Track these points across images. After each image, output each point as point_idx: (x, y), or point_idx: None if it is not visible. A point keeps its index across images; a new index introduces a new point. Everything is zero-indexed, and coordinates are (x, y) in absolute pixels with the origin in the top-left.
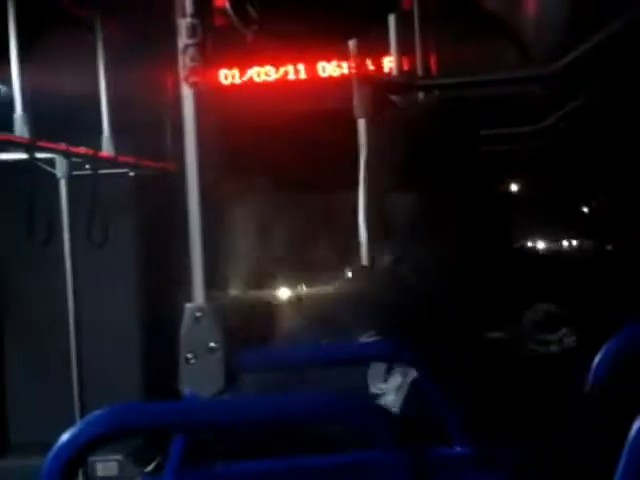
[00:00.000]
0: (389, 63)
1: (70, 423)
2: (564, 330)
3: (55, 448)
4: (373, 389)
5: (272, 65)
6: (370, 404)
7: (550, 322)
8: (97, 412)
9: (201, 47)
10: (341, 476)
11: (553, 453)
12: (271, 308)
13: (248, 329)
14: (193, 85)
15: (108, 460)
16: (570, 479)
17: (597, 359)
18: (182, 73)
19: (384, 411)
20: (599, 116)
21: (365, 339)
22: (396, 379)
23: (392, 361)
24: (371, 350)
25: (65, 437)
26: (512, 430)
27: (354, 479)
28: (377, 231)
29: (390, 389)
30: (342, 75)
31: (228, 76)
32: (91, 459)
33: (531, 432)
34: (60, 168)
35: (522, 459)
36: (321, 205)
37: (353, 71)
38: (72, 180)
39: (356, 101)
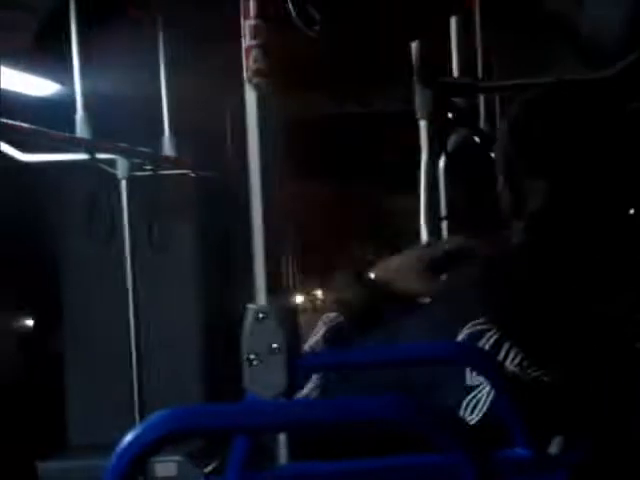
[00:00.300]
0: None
1: (129, 425)
2: None
3: (119, 449)
4: (469, 381)
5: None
6: (432, 405)
7: None
8: (159, 413)
9: (264, 48)
10: (405, 477)
11: (616, 454)
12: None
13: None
14: (256, 86)
15: (167, 461)
16: None
17: None
18: (245, 74)
19: (448, 412)
20: None
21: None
22: None
23: (460, 365)
24: (441, 352)
25: (128, 438)
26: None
27: None
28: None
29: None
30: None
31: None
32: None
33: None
34: (121, 169)
35: (585, 460)
36: (388, 206)
37: (415, 72)
38: (133, 181)
39: (418, 103)
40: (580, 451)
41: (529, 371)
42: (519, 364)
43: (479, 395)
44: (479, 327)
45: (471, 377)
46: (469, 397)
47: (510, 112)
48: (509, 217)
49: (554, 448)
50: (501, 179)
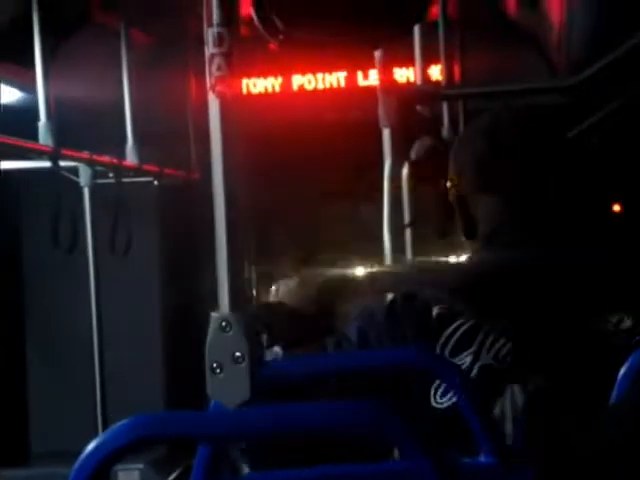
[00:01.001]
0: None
1: (91, 432)
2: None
3: (81, 458)
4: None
5: (301, 74)
6: (395, 413)
7: None
8: (123, 422)
9: (228, 56)
10: None
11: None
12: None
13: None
14: (219, 94)
15: (130, 469)
16: None
17: (622, 372)
18: (208, 82)
19: (409, 420)
20: (623, 128)
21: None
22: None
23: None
24: (403, 359)
25: (91, 447)
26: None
27: None
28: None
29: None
30: (366, 85)
31: (250, 85)
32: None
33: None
34: (84, 177)
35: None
36: (348, 213)
37: (378, 81)
38: (96, 189)
39: (381, 111)
40: (544, 460)
41: (506, 360)
42: (495, 356)
43: None
44: (447, 310)
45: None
46: (438, 381)
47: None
48: (466, 238)
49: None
50: (454, 202)
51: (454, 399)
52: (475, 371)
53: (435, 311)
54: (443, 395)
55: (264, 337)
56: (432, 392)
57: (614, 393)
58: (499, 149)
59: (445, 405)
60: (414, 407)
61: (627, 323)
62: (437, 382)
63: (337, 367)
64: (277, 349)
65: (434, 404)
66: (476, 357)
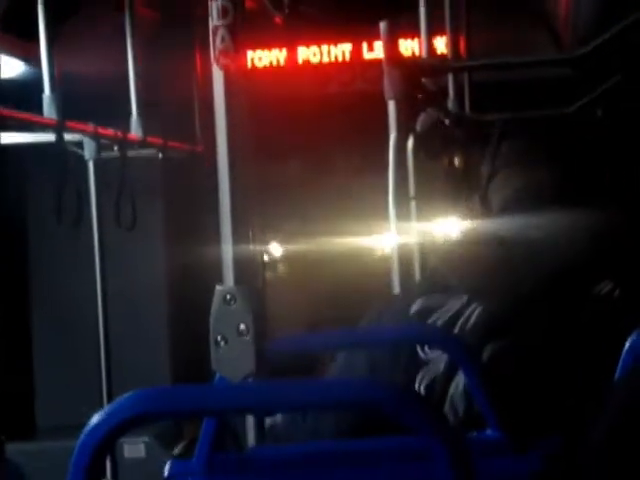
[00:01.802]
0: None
1: (96, 406)
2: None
3: (86, 431)
4: (423, 356)
5: (306, 47)
6: (403, 388)
7: None
8: (127, 395)
9: (232, 29)
10: (375, 461)
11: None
12: None
13: None
14: (223, 67)
15: (135, 442)
16: None
17: (625, 349)
18: (212, 55)
19: (418, 396)
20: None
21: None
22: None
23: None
24: (406, 334)
25: (95, 420)
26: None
27: (389, 464)
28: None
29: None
30: (373, 57)
31: (255, 58)
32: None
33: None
34: (88, 150)
35: (557, 448)
36: (353, 187)
37: (384, 53)
38: (100, 162)
39: (386, 83)
40: (552, 436)
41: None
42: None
43: (434, 368)
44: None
45: (424, 353)
46: (423, 371)
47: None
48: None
49: None
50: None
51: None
52: None
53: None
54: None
55: None
56: (418, 380)
57: (618, 369)
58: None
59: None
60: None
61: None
62: (424, 371)
63: (342, 342)
64: None
65: (423, 356)
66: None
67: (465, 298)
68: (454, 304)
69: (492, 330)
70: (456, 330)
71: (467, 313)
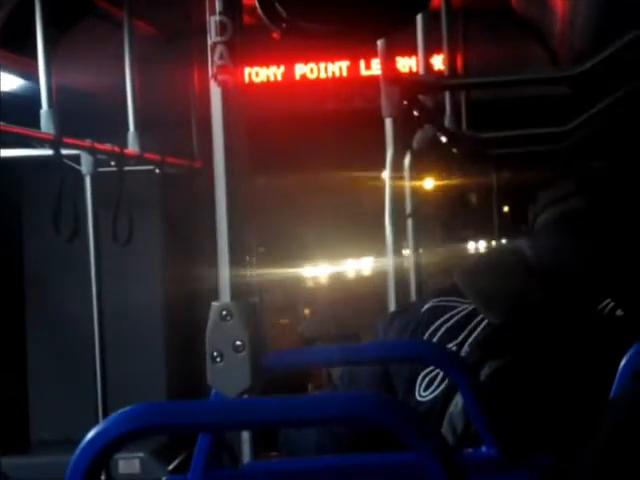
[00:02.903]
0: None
1: (91, 421)
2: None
3: (81, 447)
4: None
5: (303, 63)
6: (400, 403)
7: None
8: (123, 410)
9: (230, 45)
10: (371, 476)
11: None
12: None
13: None
14: (222, 83)
15: (130, 457)
16: None
17: (621, 365)
18: (211, 71)
19: (413, 411)
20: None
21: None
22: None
23: (424, 363)
24: (403, 351)
25: (91, 435)
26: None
27: (385, 479)
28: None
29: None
30: (370, 75)
31: (252, 74)
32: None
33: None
34: (86, 165)
35: (552, 463)
36: (351, 203)
37: (381, 70)
38: (98, 177)
39: (384, 100)
40: (546, 453)
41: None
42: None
43: (434, 372)
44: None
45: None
46: (424, 372)
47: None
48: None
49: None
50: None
51: (436, 392)
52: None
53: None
54: (426, 388)
55: None
56: (417, 386)
57: (615, 385)
58: None
59: (428, 398)
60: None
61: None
62: (421, 375)
63: (338, 359)
64: None
65: (418, 398)
66: (460, 348)
67: (471, 307)
68: (463, 308)
69: (494, 346)
70: (459, 339)
71: (471, 325)
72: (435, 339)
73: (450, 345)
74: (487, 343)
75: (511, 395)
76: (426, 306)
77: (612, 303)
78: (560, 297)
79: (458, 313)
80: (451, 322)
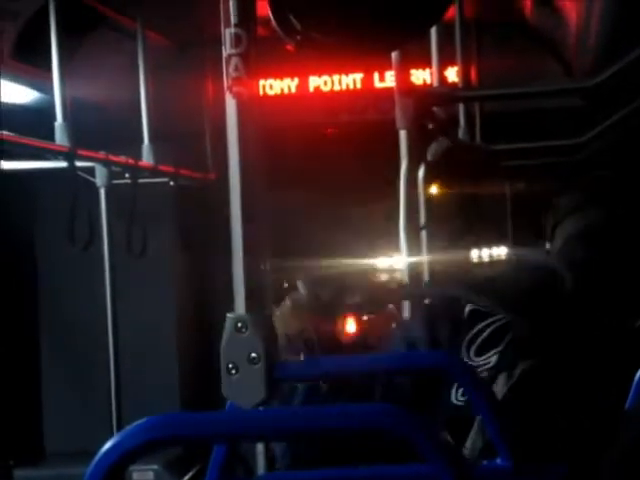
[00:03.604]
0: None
1: (106, 433)
2: None
3: (95, 459)
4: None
5: (313, 75)
6: (414, 414)
7: None
8: (137, 423)
9: (245, 57)
10: None
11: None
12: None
13: None
14: (237, 95)
15: (144, 469)
16: None
17: (637, 377)
18: (226, 83)
19: (428, 422)
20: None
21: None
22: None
23: (441, 374)
24: (421, 362)
25: (105, 448)
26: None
27: None
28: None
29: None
30: (384, 87)
31: (267, 86)
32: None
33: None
34: (100, 177)
35: (565, 475)
36: (362, 215)
37: (395, 82)
38: (112, 189)
39: (398, 113)
40: (561, 465)
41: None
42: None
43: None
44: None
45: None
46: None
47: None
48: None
49: None
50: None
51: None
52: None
53: (468, 308)
54: (464, 394)
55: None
56: (453, 390)
57: (630, 396)
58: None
59: (464, 402)
60: (434, 405)
61: None
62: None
63: (355, 368)
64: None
65: (454, 401)
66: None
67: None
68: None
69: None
70: (500, 347)
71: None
72: (478, 341)
73: (491, 352)
74: (519, 347)
75: (537, 397)
76: (468, 308)
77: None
78: (591, 312)
79: (499, 320)
80: (492, 327)
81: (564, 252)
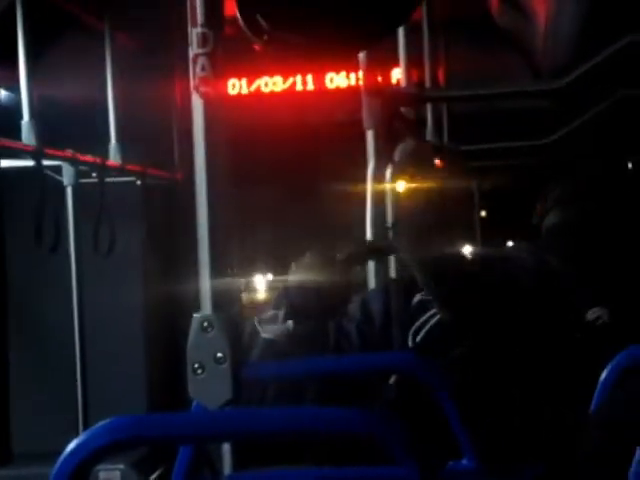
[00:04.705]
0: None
1: (73, 433)
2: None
3: (60, 459)
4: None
5: (281, 75)
6: (382, 415)
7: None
8: (103, 423)
9: (212, 57)
10: None
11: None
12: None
13: None
14: (203, 95)
15: (111, 469)
16: None
17: (602, 377)
18: (192, 83)
19: (399, 426)
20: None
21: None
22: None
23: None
24: (383, 363)
25: (71, 447)
26: (524, 445)
27: None
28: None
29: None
30: (351, 86)
31: (235, 86)
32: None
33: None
34: (67, 176)
35: (534, 475)
36: (328, 214)
37: (362, 83)
38: (79, 188)
39: (365, 113)
40: (532, 464)
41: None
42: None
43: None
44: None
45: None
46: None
47: None
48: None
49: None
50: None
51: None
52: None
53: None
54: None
55: (280, 313)
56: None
57: (595, 396)
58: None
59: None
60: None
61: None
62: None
63: (319, 371)
64: (290, 323)
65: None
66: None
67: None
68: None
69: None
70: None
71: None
72: (423, 331)
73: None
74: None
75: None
76: (415, 299)
77: (600, 311)
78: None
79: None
80: (436, 318)
81: (542, 245)
